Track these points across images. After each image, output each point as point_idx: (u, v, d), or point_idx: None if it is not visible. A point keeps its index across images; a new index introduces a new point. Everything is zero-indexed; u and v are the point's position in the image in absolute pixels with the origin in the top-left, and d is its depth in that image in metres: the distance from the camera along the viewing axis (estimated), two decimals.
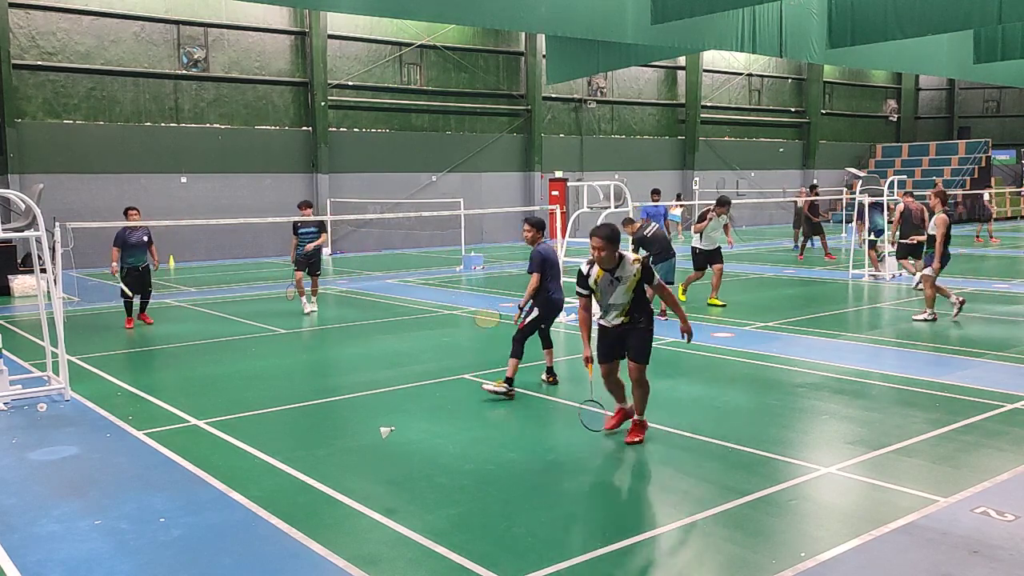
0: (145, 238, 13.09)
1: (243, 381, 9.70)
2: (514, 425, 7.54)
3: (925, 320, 12.17)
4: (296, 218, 14.37)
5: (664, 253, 12.51)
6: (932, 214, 12.42)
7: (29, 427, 7.71)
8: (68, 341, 9.45)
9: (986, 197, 28.45)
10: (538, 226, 8.82)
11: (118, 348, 11.54)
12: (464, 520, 5.40)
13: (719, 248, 14.39)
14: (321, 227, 14.29)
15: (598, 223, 6.77)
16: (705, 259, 14.29)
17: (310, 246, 14.00)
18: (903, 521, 5.17)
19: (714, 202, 14.29)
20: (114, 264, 12.89)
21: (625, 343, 6.80)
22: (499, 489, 5.92)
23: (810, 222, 22.44)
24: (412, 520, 5.34)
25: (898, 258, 15.88)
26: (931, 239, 12.19)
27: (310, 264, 14.16)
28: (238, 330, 12.85)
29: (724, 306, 13.87)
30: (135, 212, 13.10)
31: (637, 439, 6.80)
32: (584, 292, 6.86)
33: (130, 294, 12.96)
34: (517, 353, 8.43)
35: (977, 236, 27.02)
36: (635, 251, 12.32)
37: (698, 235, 14.23)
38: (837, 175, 39.62)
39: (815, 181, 34.40)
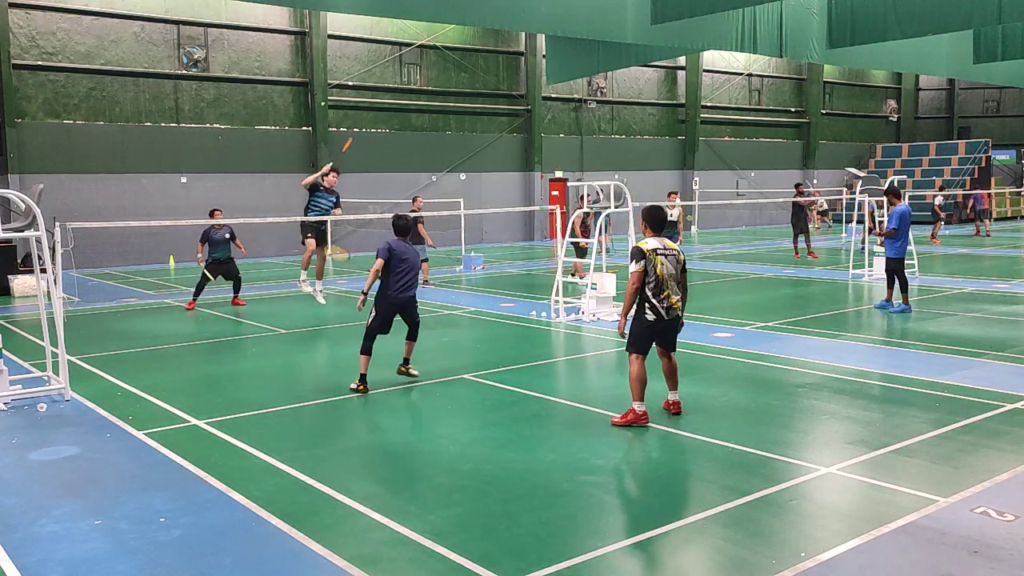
0: (227, 235, 14.97)
1: (243, 381, 9.71)
2: (514, 425, 7.53)
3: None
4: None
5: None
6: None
7: (29, 427, 7.71)
8: (68, 341, 9.46)
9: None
10: (396, 230, 9.28)
11: (118, 348, 11.54)
12: (464, 520, 5.40)
13: None
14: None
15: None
16: None
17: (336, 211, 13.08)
18: (903, 521, 5.17)
19: None
20: (199, 256, 14.90)
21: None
22: (499, 489, 5.92)
23: (804, 220, 22.39)
24: (412, 520, 5.34)
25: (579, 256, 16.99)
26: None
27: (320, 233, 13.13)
28: (238, 330, 12.86)
29: None
30: (219, 212, 15.18)
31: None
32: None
33: (211, 278, 14.93)
34: (365, 350, 8.72)
35: (977, 231, 28.71)
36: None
37: None
38: (837, 175, 39.58)
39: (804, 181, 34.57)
